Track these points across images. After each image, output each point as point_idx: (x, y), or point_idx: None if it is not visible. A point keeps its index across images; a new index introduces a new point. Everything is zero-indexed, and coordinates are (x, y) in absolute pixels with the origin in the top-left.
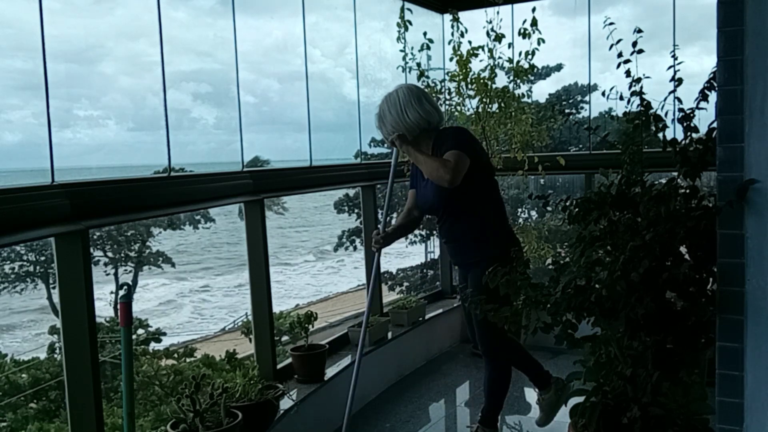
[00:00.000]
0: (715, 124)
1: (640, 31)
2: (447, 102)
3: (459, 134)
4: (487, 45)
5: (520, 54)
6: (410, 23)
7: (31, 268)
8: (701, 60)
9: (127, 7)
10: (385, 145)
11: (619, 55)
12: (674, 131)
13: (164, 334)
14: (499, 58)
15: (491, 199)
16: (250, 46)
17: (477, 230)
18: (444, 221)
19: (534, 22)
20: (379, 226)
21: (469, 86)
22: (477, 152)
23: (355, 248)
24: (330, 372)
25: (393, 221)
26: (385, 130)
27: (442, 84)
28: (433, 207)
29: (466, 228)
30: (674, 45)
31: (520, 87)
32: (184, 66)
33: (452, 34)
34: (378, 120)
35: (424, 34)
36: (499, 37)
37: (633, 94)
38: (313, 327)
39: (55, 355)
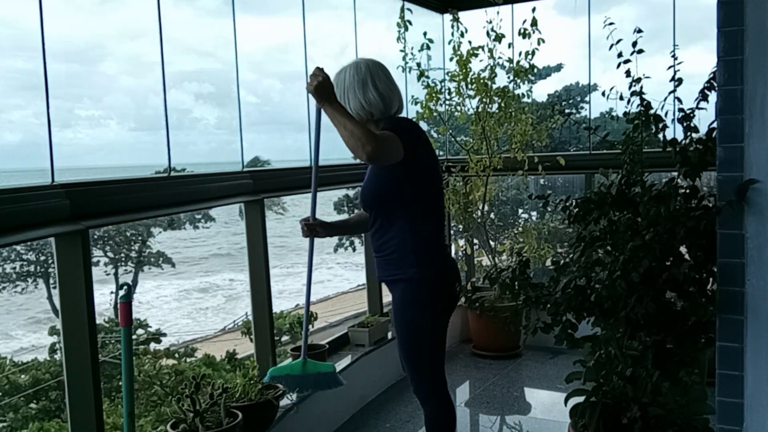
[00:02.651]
0: (715, 124)
1: (640, 31)
2: (447, 102)
3: (402, 124)
4: (487, 45)
5: (520, 54)
6: (410, 23)
7: (32, 268)
8: (704, 60)
9: (128, 7)
10: None
11: (619, 55)
12: (674, 131)
13: (164, 334)
14: (499, 58)
15: (427, 209)
16: (252, 46)
17: (401, 244)
18: (373, 224)
19: (534, 22)
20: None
21: (469, 86)
22: (419, 149)
23: (354, 249)
24: None
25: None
26: None
27: (442, 84)
28: (366, 201)
29: (390, 239)
30: (674, 45)
31: (520, 87)
32: (186, 66)
33: (452, 34)
34: None
35: (424, 34)
36: (499, 37)
37: (633, 94)
38: (313, 327)
39: (56, 356)
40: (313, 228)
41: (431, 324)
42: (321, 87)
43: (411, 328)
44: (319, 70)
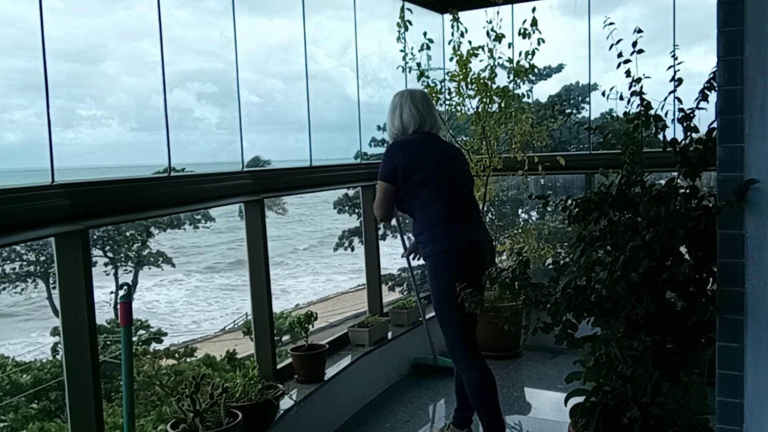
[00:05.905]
0: (715, 124)
1: (640, 31)
2: (447, 102)
3: (384, 155)
4: (487, 45)
5: (520, 54)
6: (410, 23)
7: (32, 268)
8: (706, 60)
9: (130, 8)
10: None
11: (620, 55)
12: (674, 131)
13: (165, 334)
14: (499, 58)
15: (435, 197)
16: (256, 46)
17: (420, 230)
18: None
19: (534, 22)
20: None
21: (469, 86)
22: (397, 168)
23: (353, 249)
24: (330, 372)
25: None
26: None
27: (442, 84)
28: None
29: (415, 225)
30: (674, 45)
31: (520, 87)
32: (189, 66)
33: (452, 34)
34: None
35: (424, 34)
36: (499, 37)
37: (633, 94)
38: (313, 327)
39: (57, 356)
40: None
41: (453, 291)
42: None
43: (440, 296)
44: None
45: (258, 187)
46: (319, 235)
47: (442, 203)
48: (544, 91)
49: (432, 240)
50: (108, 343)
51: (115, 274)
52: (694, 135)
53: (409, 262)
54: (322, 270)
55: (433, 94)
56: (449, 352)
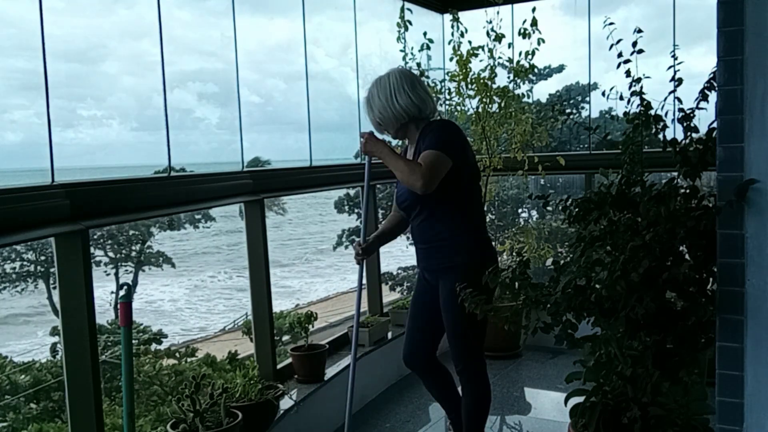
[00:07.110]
0: (715, 124)
1: (640, 31)
2: (447, 102)
3: (444, 130)
4: (487, 45)
5: (520, 54)
6: (410, 23)
7: (32, 268)
8: (707, 60)
9: (130, 8)
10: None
11: (620, 55)
12: (674, 131)
13: (165, 336)
14: (499, 58)
15: (472, 202)
16: (256, 46)
17: (452, 233)
18: (417, 219)
19: (534, 22)
20: (358, 239)
21: (469, 86)
22: (462, 150)
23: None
24: (330, 372)
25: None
26: (372, 115)
27: (442, 84)
28: (408, 203)
29: (441, 229)
30: (674, 45)
31: (520, 87)
32: (189, 65)
33: (452, 34)
34: (366, 104)
35: (424, 34)
36: (499, 37)
37: (633, 94)
38: (313, 327)
39: (57, 356)
40: (367, 249)
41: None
42: (370, 145)
43: (464, 309)
44: (363, 135)
45: (258, 187)
46: (331, 234)
47: (479, 208)
48: (544, 90)
49: (475, 246)
50: (109, 344)
51: (116, 274)
52: (694, 135)
53: (362, 268)
54: (334, 270)
55: (434, 94)
56: (463, 370)
